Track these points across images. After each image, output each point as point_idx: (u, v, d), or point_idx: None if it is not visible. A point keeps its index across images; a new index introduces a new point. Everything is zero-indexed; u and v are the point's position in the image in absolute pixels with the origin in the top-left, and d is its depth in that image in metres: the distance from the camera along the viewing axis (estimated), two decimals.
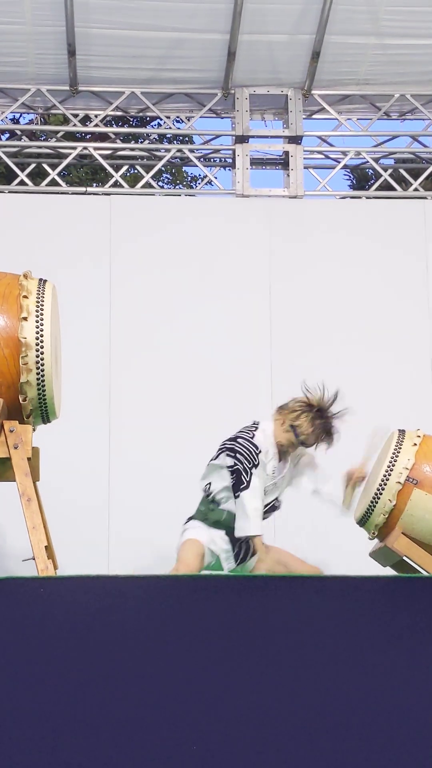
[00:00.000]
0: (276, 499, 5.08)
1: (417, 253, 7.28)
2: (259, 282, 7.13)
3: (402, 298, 7.20)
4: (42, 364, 4.46)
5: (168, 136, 8.40)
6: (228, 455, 4.98)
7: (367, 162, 7.82)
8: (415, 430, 5.18)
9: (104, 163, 7.64)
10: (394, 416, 5.85)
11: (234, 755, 2.98)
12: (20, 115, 9.41)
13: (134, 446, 6.76)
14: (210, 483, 5.04)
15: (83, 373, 6.50)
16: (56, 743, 2.99)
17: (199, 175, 9.18)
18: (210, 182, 7.88)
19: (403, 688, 3.32)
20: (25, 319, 4.47)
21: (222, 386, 6.83)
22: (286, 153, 7.62)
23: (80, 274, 6.94)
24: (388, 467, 5.01)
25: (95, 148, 7.67)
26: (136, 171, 8.50)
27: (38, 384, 4.48)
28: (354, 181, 12.93)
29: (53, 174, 7.60)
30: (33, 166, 7.85)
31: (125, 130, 10.25)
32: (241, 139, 7.55)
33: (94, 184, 12.56)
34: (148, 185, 7.63)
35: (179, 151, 7.79)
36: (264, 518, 5.05)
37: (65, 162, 7.66)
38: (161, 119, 7.89)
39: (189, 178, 14.23)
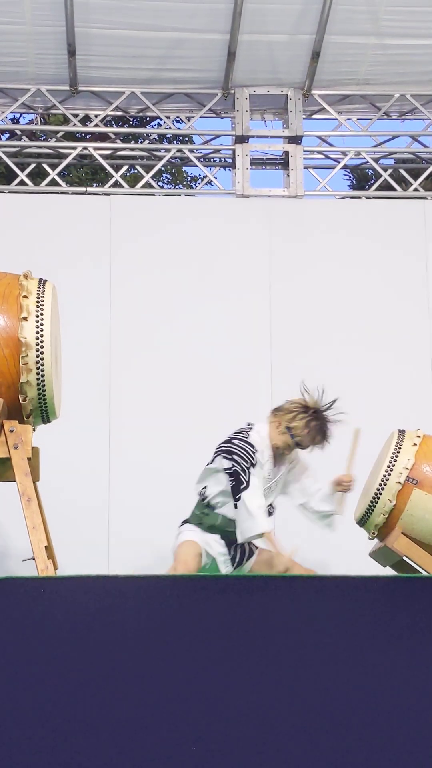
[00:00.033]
0: (270, 505, 5.07)
1: (417, 253, 7.27)
2: (259, 282, 7.13)
3: (402, 298, 7.20)
4: (42, 364, 4.46)
5: (168, 136, 8.41)
6: (224, 457, 4.97)
7: (367, 162, 7.82)
8: (415, 430, 5.18)
9: (104, 163, 7.64)
10: (394, 416, 5.86)
11: (234, 755, 2.98)
12: (20, 115, 9.41)
13: (134, 446, 6.76)
14: (206, 487, 5.03)
15: (83, 373, 6.50)
16: (56, 743, 2.99)
17: (199, 175, 9.18)
18: (210, 182, 7.88)
19: (403, 688, 3.32)
20: (25, 319, 4.47)
21: (222, 386, 6.83)
22: (286, 153, 7.62)
23: (80, 274, 6.94)
24: (388, 467, 5.01)
25: (95, 148, 7.67)
26: (136, 171, 8.50)
27: (38, 384, 4.48)
28: (354, 181, 12.93)
29: (53, 174, 7.60)
30: (33, 166, 7.85)
31: (125, 130, 10.25)
32: (241, 139, 7.55)
33: (94, 184, 12.56)
34: (148, 185, 7.63)
35: (179, 151, 7.79)
36: None
37: (65, 162, 7.66)
38: (161, 119, 7.89)
39: (189, 178, 14.23)
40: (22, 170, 7.55)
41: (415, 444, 5.05)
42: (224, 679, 3.32)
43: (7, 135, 8.28)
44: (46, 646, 3.43)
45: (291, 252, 7.21)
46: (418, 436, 5.10)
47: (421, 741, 3.06)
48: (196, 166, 7.81)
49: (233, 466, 4.92)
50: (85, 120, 7.83)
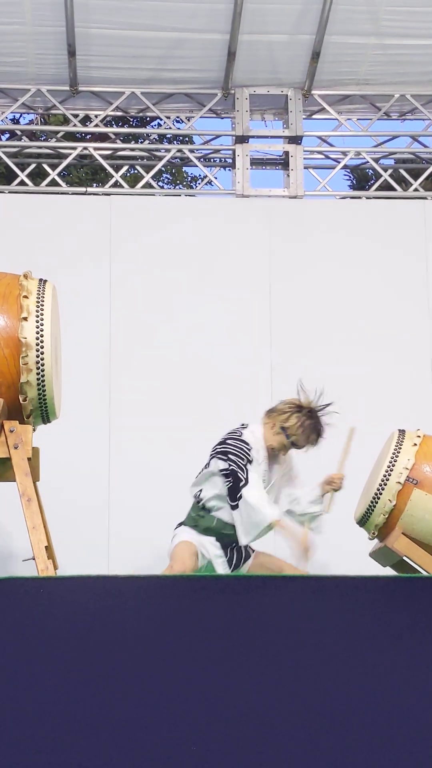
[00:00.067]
0: None
1: (417, 253, 7.28)
2: (259, 282, 7.13)
3: (402, 298, 7.20)
4: (42, 364, 4.47)
5: (168, 136, 8.41)
6: (220, 459, 4.97)
7: (367, 162, 7.82)
8: (415, 430, 5.18)
9: (104, 163, 7.64)
10: (394, 416, 5.86)
11: (234, 755, 2.98)
12: (20, 116, 9.42)
13: (134, 446, 6.76)
14: (201, 490, 5.03)
15: (83, 373, 6.50)
16: (56, 743, 2.99)
17: (199, 175, 9.18)
18: (210, 182, 7.88)
19: (403, 688, 3.32)
20: (25, 319, 4.47)
21: (222, 386, 6.83)
22: (286, 153, 7.62)
23: (80, 274, 6.94)
24: (388, 467, 5.01)
25: (95, 149, 7.67)
26: (136, 171, 8.51)
27: (38, 384, 4.48)
28: (354, 182, 12.94)
29: (53, 174, 7.60)
30: (33, 166, 7.85)
31: (125, 130, 10.25)
32: (241, 139, 7.55)
33: (94, 185, 12.57)
34: (148, 185, 7.63)
35: (179, 151, 7.79)
36: None
37: (65, 162, 7.67)
38: (161, 119, 7.89)
39: (189, 179, 14.24)
40: (23, 170, 7.55)
41: (416, 444, 5.05)
42: (224, 679, 3.32)
43: (7, 135, 8.29)
44: (46, 646, 3.43)
45: (291, 252, 7.22)
46: (419, 436, 5.10)
47: (421, 741, 3.06)
48: (196, 166, 7.81)
49: (230, 465, 4.92)
50: (85, 120, 7.83)
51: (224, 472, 4.93)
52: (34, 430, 4.59)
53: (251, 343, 7.01)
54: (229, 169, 7.84)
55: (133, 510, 6.60)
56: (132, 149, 8.04)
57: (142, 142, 9.91)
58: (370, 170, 10.02)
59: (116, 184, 7.58)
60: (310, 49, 7.29)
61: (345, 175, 12.70)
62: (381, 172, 7.73)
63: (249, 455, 4.93)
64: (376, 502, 5.02)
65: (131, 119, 10.77)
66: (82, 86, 7.52)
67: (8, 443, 4.46)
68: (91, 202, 7.55)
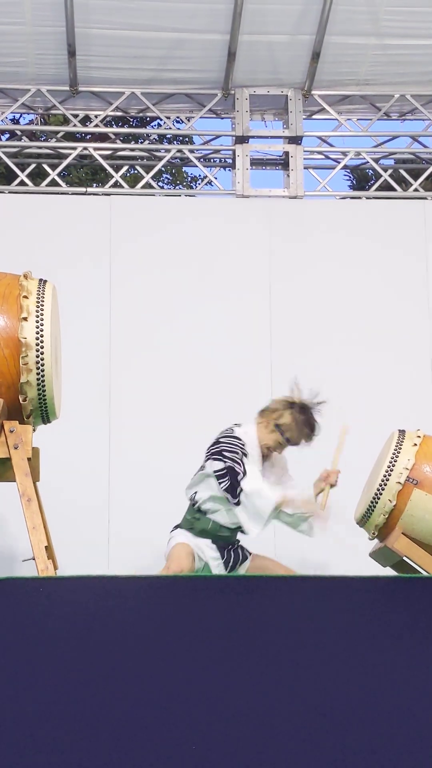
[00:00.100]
0: None
1: (417, 253, 7.28)
2: (259, 282, 7.13)
3: (402, 298, 7.20)
4: (42, 365, 4.46)
5: (168, 136, 8.42)
6: (215, 459, 4.96)
7: (367, 162, 7.82)
8: (415, 430, 5.18)
9: (104, 163, 7.64)
10: (394, 416, 5.86)
11: (234, 755, 2.99)
12: (20, 116, 9.42)
13: (134, 446, 6.76)
14: (196, 492, 5.03)
15: (83, 373, 6.50)
16: (56, 743, 2.99)
17: (199, 175, 9.16)
18: (210, 182, 7.88)
19: (403, 688, 3.32)
20: (25, 319, 4.47)
21: (222, 386, 6.83)
22: (286, 153, 7.62)
23: (80, 274, 6.94)
24: (388, 467, 5.00)
25: (95, 149, 7.67)
26: (136, 171, 8.50)
27: (38, 384, 4.48)
28: (354, 182, 12.94)
29: (53, 174, 7.60)
30: (33, 166, 7.85)
31: (125, 130, 10.25)
32: (241, 140, 7.55)
33: (94, 185, 12.57)
34: (148, 185, 7.63)
35: (179, 151, 7.79)
36: None
37: (65, 162, 7.67)
38: (161, 119, 7.89)
39: (189, 179, 14.23)
40: (23, 170, 7.55)
41: (416, 444, 5.05)
42: (224, 679, 3.32)
43: (8, 135, 8.28)
44: (46, 647, 3.43)
45: (291, 252, 7.22)
46: (419, 437, 5.10)
47: (421, 741, 3.06)
48: (196, 166, 7.81)
49: (225, 463, 4.91)
50: (85, 120, 7.83)
51: (220, 472, 4.91)
52: (34, 430, 4.59)
53: (251, 343, 7.01)
54: (229, 170, 7.84)
55: (133, 510, 6.60)
56: (132, 149, 8.04)
57: (142, 143, 9.91)
58: (370, 170, 10.02)
59: (116, 184, 7.58)
60: (310, 49, 7.29)
61: (345, 175, 12.70)
62: (381, 172, 7.73)
63: (244, 449, 4.93)
64: (376, 503, 5.01)
65: (131, 119, 10.77)
66: (82, 86, 7.52)
67: (8, 443, 4.46)
68: (91, 202, 7.55)
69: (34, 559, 4.41)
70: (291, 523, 5.08)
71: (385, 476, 4.99)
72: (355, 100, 7.78)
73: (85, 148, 7.64)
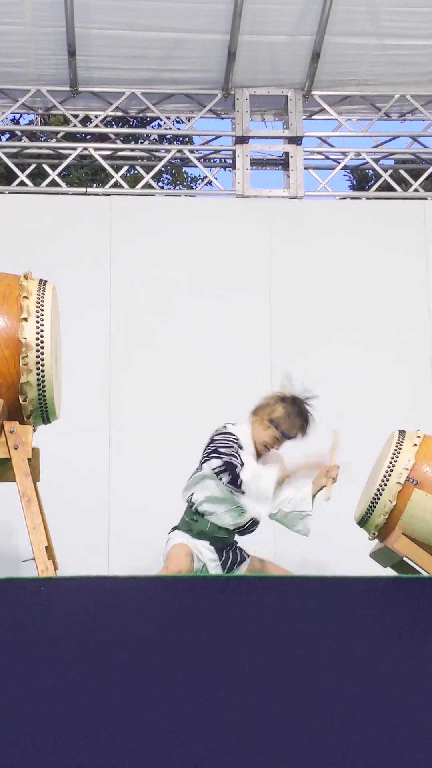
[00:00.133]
0: None
1: (417, 253, 7.28)
2: (259, 282, 7.13)
3: (402, 298, 7.20)
4: (42, 365, 4.47)
5: (168, 136, 8.41)
6: (213, 458, 4.95)
7: (367, 163, 7.82)
8: (415, 430, 5.18)
9: (104, 163, 7.64)
10: (394, 416, 5.86)
11: (234, 755, 2.99)
12: (20, 116, 9.42)
13: (134, 446, 6.76)
14: (192, 494, 5.03)
15: (83, 373, 6.50)
16: (56, 743, 2.99)
17: (199, 175, 9.16)
18: (210, 183, 7.88)
19: (403, 689, 3.32)
20: (25, 319, 4.47)
21: (222, 386, 6.83)
22: (286, 154, 7.62)
23: (80, 274, 6.94)
24: (388, 468, 5.00)
25: (95, 149, 7.67)
26: (136, 171, 8.51)
27: (38, 384, 4.48)
28: (354, 182, 12.95)
29: (53, 175, 7.60)
30: (33, 166, 7.85)
31: (125, 130, 10.25)
32: (241, 140, 7.55)
33: (95, 185, 12.57)
34: (148, 186, 7.63)
35: (179, 151, 7.79)
36: (249, 531, 5.05)
37: (65, 162, 7.67)
38: (161, 120, 7.89)
39: (189, 179, 14.24)
40: (23, 171, 7.55)
41: (416, 444, 5.05)
42: (224, 679, 3.32)
43: (8, 136, 8.28)
44: (46, 647, 3.43)
45: (291, 252, 7.22)
46: (419, 437, 5.10)
47: (421, 741, 3.06)
48: (196, 166, 7.81)
49: (222, 459, 4.91)
50: (86, 121, 7.83)
51: (219, 468, 4.91)
52: (34, 430, 4.59)
53: (251, 343, 7.01)
54: (229, 170, 7.84)
55: (133, 510, 6.60)
56: (132, 150, 8.04)
57: (142, 143, 9.92)
58: (370, 171, 10.02)
59: (116, 185, 7.58)
60: (310, 49, 7.29)
61: (345, 175, 12.72)
62: (381, 172, 7.73)
63: (238, 442, 4.94)
64: (377, 503, 5.01)
65: (131, 120, 10.77)
66: (82, 87, 7.52)
67: (8, 444, 4.46)
68: (91, 203, 7.55)
69: (34, 559, 4.41)
70: (287, 523, 5.08)
71: (385, 476, 4.99)
72: (355, 101, 7.78)
73: (85, 149, 7.64)
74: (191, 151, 7.83)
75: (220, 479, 4.90)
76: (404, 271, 7.25)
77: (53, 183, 7.60)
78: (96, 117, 7.69)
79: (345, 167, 7.91)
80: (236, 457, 4.89)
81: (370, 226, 7.35)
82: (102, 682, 3.27)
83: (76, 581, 4.05)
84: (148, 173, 7.62)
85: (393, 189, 7.74)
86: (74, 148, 7.65)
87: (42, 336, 4.47)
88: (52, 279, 4.71)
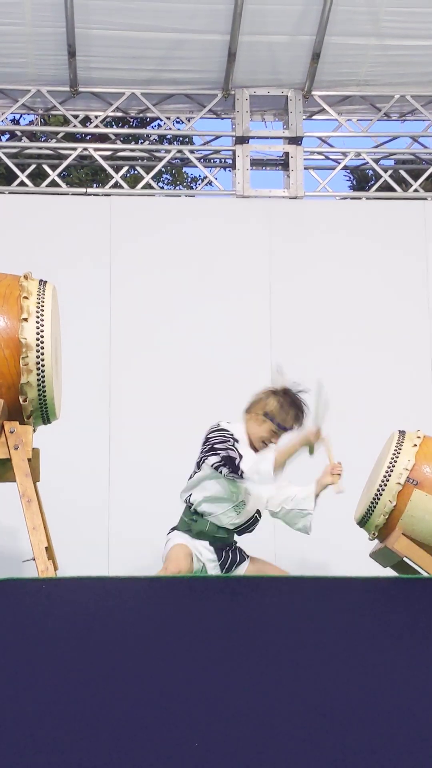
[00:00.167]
0: (257, 510, 5.06)
1: (417, 253, 7.28)
2: (259, 282, 7.14)
3: (402, 298, 7.20)
4: (42, 365, 4.47)
5: (168, 137, 8.41)
6: (211, 455, 4.95)
7: (367, 163, 7.82)
8: (415, 430, 5.18)
9: (104, 164, 7.65)
10: (394, 416, 5.86)
11: (234, 755, 2.99)
12: (20, 116, 9.42)
13: (134, 446, 6.76)
14: (191, 495, 5.03)
15: (83, 373, 6.50)
16: (56, 743, 2.99)
17: (200, 175, 9.16)
18: (210, 183, 7.89)
19: (403, 689, 3.32)
20: (25, 320, 4.47)
21: (222, 386, 6.82)
22: (286, 154, 7.63)
23: (80, 274, 6.95)
24: (388, 468, 5.00)
25: (95, 149, 7.68)
26: (136, 172, 8.51)
27: (38, 385, 4.48)
28: (354, 182, 12.96)
29: (53, 175, 7.61)
30: (33, 167, 7.85)
31: (125, 131, 10.24)
32: (241, 140, 7.55)
33: (95, 185, 12.58)
34: (148, 186, 7.63)
35: (179, 152, 7.79)
36: (248, 531, 5.06)
37: (65, 163, 7.67)
38: (161, 120, 7.90)
39: (189, 179, 14.25)
40: (23, 171, 7.55)
41: (416, 445, 5.05)
42: (224, 680, 3.32)
43: (8, 136, 8.28)
44: (46, 647, 3.43)
45: (291, 252, 7.22)
46: (419, 437, 5.10)
47: (421, 741, 3.06)
48: (197, 166, 7.81)
49: (220, 454, 4.90)
50: (86, 121, 7.83)
51: (219, 464, 4.90)
52: (34, 430, 4.60)
53: (251, 343, 7.01)
54: (229, 170, 7.84)
55: (133, 510, 6.60)
56: (132, 150, 8.04)
57: (142, 143, 9.92)
58: (370, 171, 10.02)
59: (116, 185, 7.58)
60: (311, 49, 7.30)
61: (345, 175, 12.73)
62: (381, 172, 7.74)
63: (233, 436, 4.94)
64: (377, 503, 5.01)
65: (131, 120, 10.77)
66: (82, 87, 7.53)
67: (8, 444, 4.46)
68: (91, 203, 7.55)
69: (34, 559, 4.41)
70: (289, 521, 5.08)
71: (385, 477, 4.99)
72: (355, 101, 7.79)
73: (85, 149, 7.64)
74: (191, 152, 7.83)
75: (221, 473, 4.89)
76: (404, 271, 7.25)
77: (53, 183, 7.61)
78: (96, 117, 7.69)
79: (345, 167, 7.91)
80: (233, 450, 4.89)
81: (370, 227, 7.35)
82: (102, 683, 3.27)
83: (76, 581, 4.05)
84: (148, 173, 7.62)
85: (393, 189, 7.74)
86: (74, 149, 7.65)
87: (42, 336, 4.47)
88: (52, 279, 4.71)
